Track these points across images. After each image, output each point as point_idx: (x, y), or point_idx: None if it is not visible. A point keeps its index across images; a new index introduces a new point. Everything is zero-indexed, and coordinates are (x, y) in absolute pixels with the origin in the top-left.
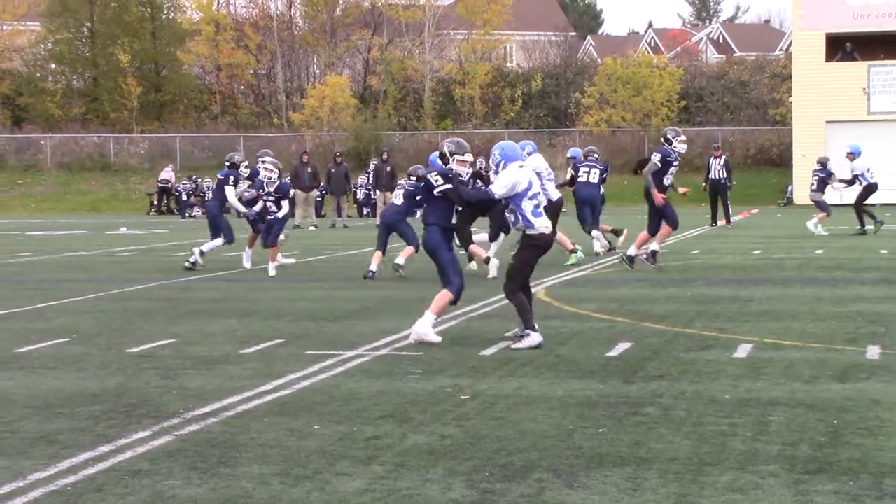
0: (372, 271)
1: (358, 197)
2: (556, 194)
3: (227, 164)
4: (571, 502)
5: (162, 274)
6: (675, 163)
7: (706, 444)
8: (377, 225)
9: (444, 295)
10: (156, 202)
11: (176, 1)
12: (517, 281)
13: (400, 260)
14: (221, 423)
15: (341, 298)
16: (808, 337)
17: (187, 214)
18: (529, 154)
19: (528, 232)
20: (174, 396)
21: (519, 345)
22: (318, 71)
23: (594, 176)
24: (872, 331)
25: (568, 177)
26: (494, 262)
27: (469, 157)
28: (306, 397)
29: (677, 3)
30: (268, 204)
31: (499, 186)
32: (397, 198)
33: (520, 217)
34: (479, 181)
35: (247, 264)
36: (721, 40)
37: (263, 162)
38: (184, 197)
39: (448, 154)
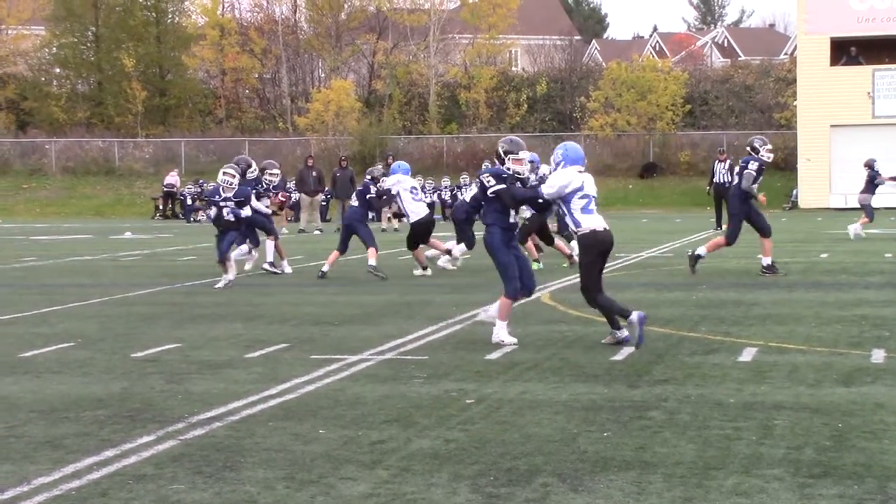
0: (322, 271)
1: None
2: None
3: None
4: None
5: (167, 278)
6: (762, 170)
7: (711, 448)
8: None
9: (503, 302)
10: (161, 206)
11: (181, 5)
12: (590, 288)
13: (372, 262)
14: (226, 428)
15: (346, 303)
16: (812, 341)
17: (192, 219)
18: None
19: (578, 232)
20: (179, 401)
21: (633, 341)
22: (323, 75)
23: None
24: (877, 334)
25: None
26: (460, 247)
27: (525, 155)
28: (311, 402)
29: (682, 7)
30: (224, 211)
31: (548, 187)
32: (353, 199)
33: (569, 218)
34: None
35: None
36: (726, 44)
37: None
38: (189, 201)
39: (503, 153)
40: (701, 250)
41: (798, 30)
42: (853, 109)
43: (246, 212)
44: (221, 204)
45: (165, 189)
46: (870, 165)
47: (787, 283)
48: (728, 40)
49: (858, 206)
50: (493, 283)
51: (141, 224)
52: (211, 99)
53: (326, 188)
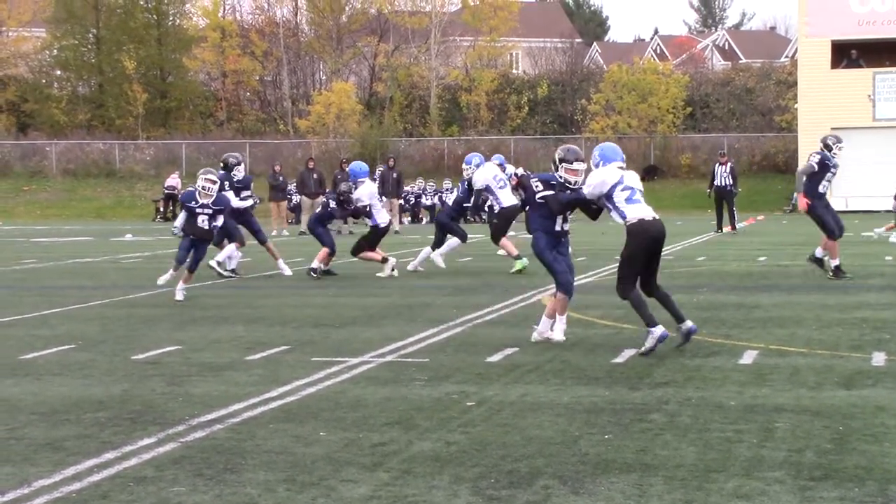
0: (313, 268)
1: None
2: (509, 201)
3: (222, 164)
4: None
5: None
6: (833, 170)
7: (712, 451)
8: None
9: (561, 299)
10: (161, 209)
11: (182, 7)
12: (627, 280)
13: (315, 264)
14: (227, 430)
15: (347, 305)
16: (813, 343)
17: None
18: (478, 166)
19: (626, 223)
20: (180, 403)
21: (645, 347)
22: (323, 77)
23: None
24: (878, 337)
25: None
26: (391, 262)
27: (579, 166)
28: (312, 404)
29: (683, 10)
30: (199, 218)
31: (587, 186)
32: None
33: (615, 213)
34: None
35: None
36: (727, 47)
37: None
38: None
39: (558, 161)
40: (819, 252)
41: (799, 33)
42: (854, 112)
43: (219, 221)
44: (197, 210)
45: (166, 191)
46: None
47: (788, 285)
48: (729, 43)
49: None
50: (493, 285)
51: (142, 226)
52: (212, 101)
53: (327, 190)
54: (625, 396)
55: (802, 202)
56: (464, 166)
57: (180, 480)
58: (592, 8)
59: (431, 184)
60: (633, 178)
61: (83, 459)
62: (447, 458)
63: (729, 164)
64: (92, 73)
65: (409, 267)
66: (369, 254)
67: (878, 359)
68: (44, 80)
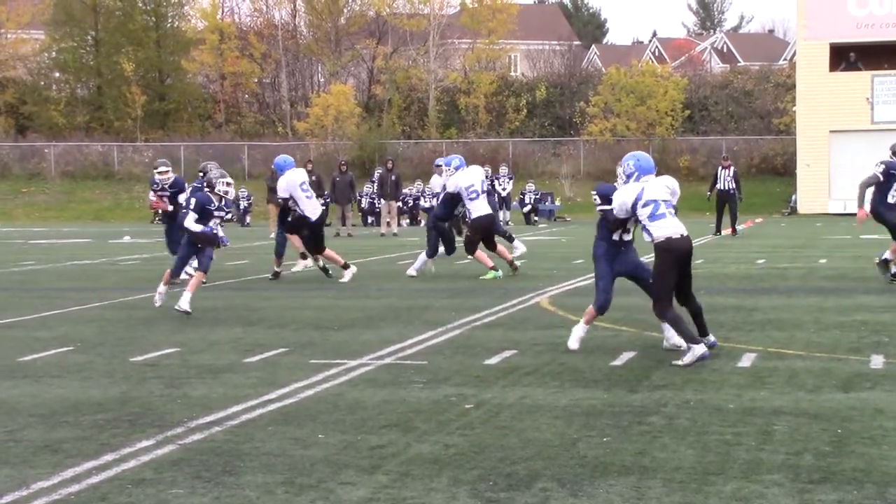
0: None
1: (362, 206)
2: (480, 212)
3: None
4: None
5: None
6: None
7: (710, 454)
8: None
9: (589, 312)
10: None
11: (180, 10)
12: (663, 299)
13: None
14: (225, 432)
15: (346, 307)
16: (811, 346)
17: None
18: (458, 168)
19: (654, 242)
20: (178, 405)
21: (680, 361)
22: (322, 80)
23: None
24: (876, 340)
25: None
26: (351, 270)
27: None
28: (310, 406)
29: (682, 12)
30: (213, 222)
31: (615, 208)
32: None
33: (644, 231)
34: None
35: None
36: (725, 50)
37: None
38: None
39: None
40: (888, 255)
41: (797, 35)
42: (852, 115)
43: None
44: (216, 213)
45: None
46: None
47: (787, 288)
48: (727, 46)
49: None
50: (491, 288)
51: (140, 228)
52: (210, 103)
53: (326, 193)
54: (623, 399)
55: (862, 214)
56: (444, 167)
57: (179, 483)
58: (591, 10)
59: (430, 187)
60: (655, 189)
61: (82, 461)
62: (446, 460)
63: (732, 168)
64: (90, 75)
65: (409, 272)
66: (295, 241)
67: (877, 361)
68: (42, 83)
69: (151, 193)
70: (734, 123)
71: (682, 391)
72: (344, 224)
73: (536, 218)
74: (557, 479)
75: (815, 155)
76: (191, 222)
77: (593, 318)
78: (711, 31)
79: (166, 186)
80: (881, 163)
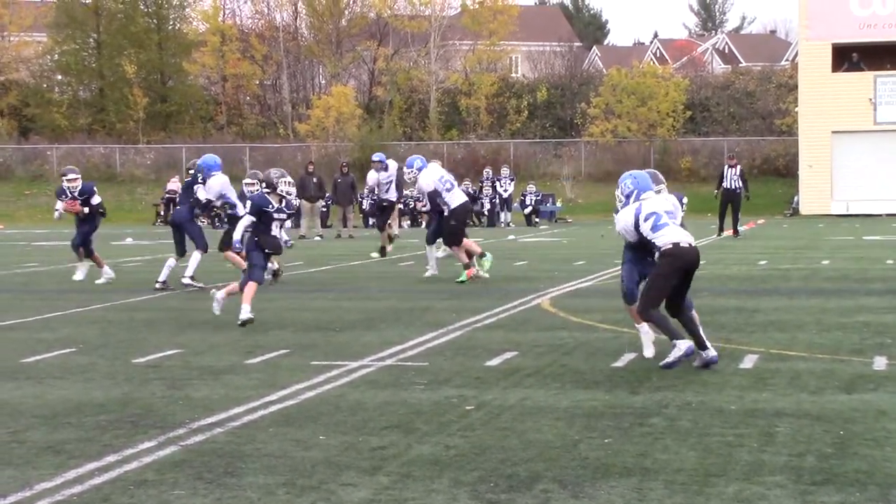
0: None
1: (364, 207)
2: (457, 201)
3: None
4: None
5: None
6: None
7: (712, 455)
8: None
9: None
10: (162, 212)
11: (182, 12)
12: (652, 301)
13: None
14: (227, 434)
15: (346, 308)
16: (814, 347)
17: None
18: (419, 169)
19: (661, 250)
20: (180, 407)
21: (667, 360)
22: (323, 81)
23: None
24: (879, 341)
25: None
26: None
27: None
28: (312, 408)
29: (683, 13)
30: (274, 226)
31: (617, 228)
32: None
33: (652, 246)
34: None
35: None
36: (727, 51)
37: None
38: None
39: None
40: None
41: (799, 36)
42: (855, 116)
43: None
44: (275, 216)
45: (167, 195)
46: None
47: (789, 289)
48: (729, 46)
49: None
50: (492, 290)
51: (142, 230)
52: (212, 105)
53: (327, 194)
54: (625, 400)
55: None
56: (405, 169)
57: (181, 484)
58: (592, 11)
59: (367, 183)
60: (655, 203)
61: (84, 462)
62: (447, 461)
63: (738, 167)
64: (93, 77)
65: (426, 274)
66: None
67: (880, 363)
68: (45, 85)
69: (59, 202)
70: (736, 124)
71: (684, 393)
72: (345, 225)
73: (537, 219)
74: (559, 480)
75: (818, 156)
76: (240, 229)
77: (635, 314)
78: (713, 31)
79: (75, 194)
80: None
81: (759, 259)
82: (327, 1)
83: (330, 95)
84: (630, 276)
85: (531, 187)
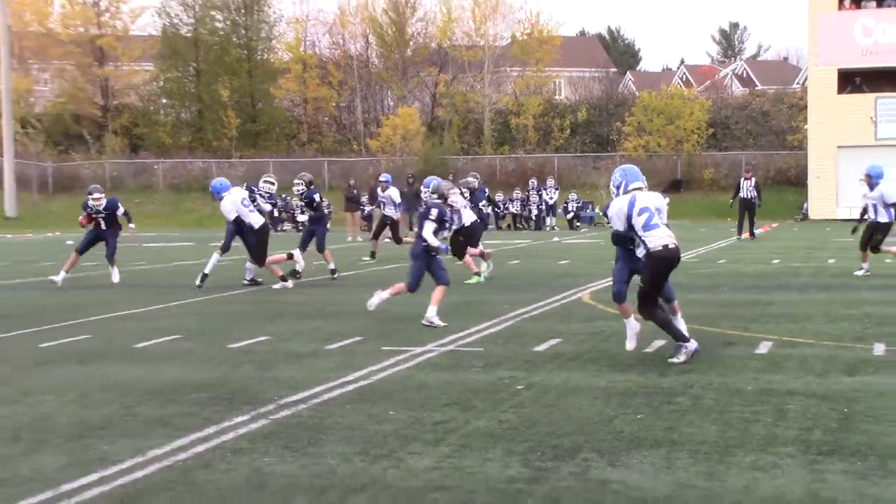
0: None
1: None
2: (472, 219)
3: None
4: (614, 479)
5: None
6: None
7: (731, 429)
8: None
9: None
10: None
11: (269, 44)
12: (650, 302)
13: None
14: (310, 409)
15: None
16: (821, 335)
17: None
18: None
19: (650, 251)
20: (269, 386)
21: (674, 359)
22: (391, 103)
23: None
24: (879, 331)
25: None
26: (285, 284)
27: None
28: (382, 387)
29: (706, 42)
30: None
31: (611, 213)
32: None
33: (640, 241)
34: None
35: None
36: (745, 75)
37: (91, 194)
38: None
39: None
40: None
41: (809, 62)
42: (858, 132)
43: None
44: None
45: None
46: None
47: (799, 285)
48: (747, 71)
49: None
50: (539, 285)
51: None
52: (295, 124)
53: (365, 206)
54: (655, 381)
55: None
56: (423, 189)
57: (270, 452)
58: (626, 41)
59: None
60: (647, 198)
61: (188, 433)
62: (500, 434)
63: (753, 179)
64: (192, 101)
65: (486, 274)
66: (275, 258)
67: (879, 349)
68: (152, 108)
69: (82, 216)
70: (752, 140)
71: (707, 375)
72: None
73: (579, 223)
74: (597, 450)
75: (825, 168)
76: (429, 233)
77: (622, 310)
78: (733, 58)
79: (100, 209)
80: None
81: (772, 258)
82: (394, 33)
83: (397, 116)
84: (620, 276)
85: (573, 195)
